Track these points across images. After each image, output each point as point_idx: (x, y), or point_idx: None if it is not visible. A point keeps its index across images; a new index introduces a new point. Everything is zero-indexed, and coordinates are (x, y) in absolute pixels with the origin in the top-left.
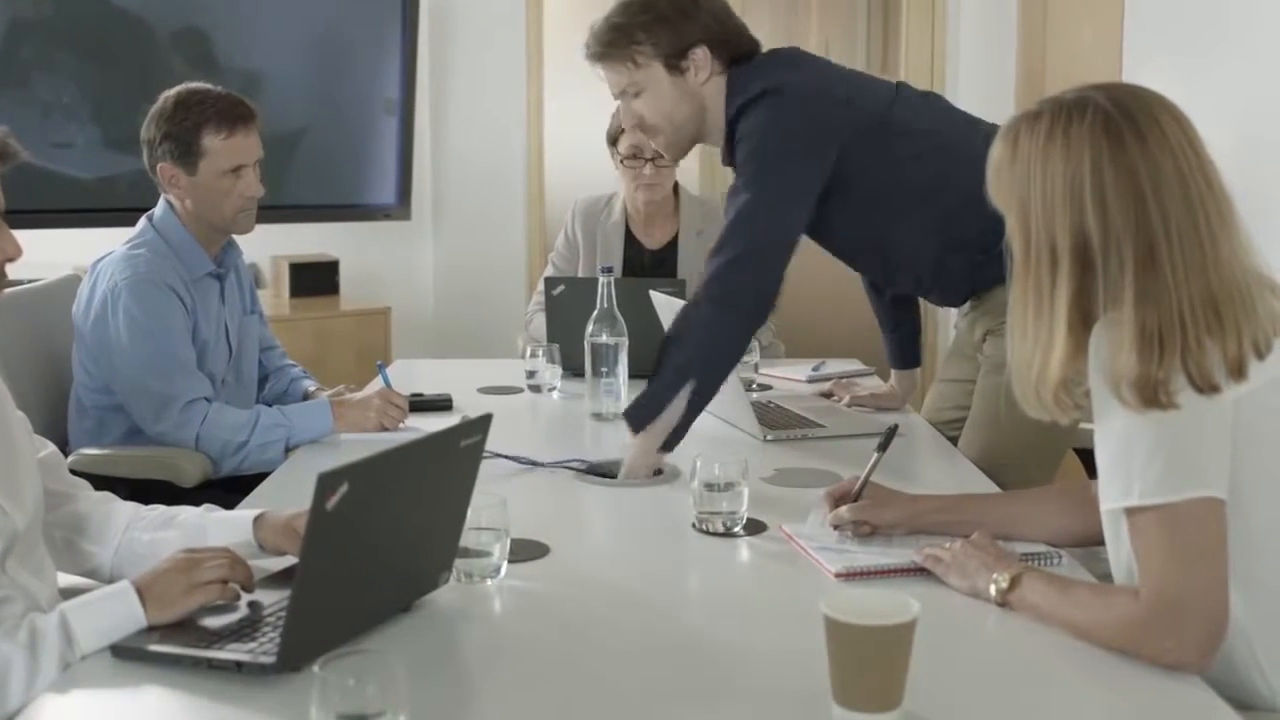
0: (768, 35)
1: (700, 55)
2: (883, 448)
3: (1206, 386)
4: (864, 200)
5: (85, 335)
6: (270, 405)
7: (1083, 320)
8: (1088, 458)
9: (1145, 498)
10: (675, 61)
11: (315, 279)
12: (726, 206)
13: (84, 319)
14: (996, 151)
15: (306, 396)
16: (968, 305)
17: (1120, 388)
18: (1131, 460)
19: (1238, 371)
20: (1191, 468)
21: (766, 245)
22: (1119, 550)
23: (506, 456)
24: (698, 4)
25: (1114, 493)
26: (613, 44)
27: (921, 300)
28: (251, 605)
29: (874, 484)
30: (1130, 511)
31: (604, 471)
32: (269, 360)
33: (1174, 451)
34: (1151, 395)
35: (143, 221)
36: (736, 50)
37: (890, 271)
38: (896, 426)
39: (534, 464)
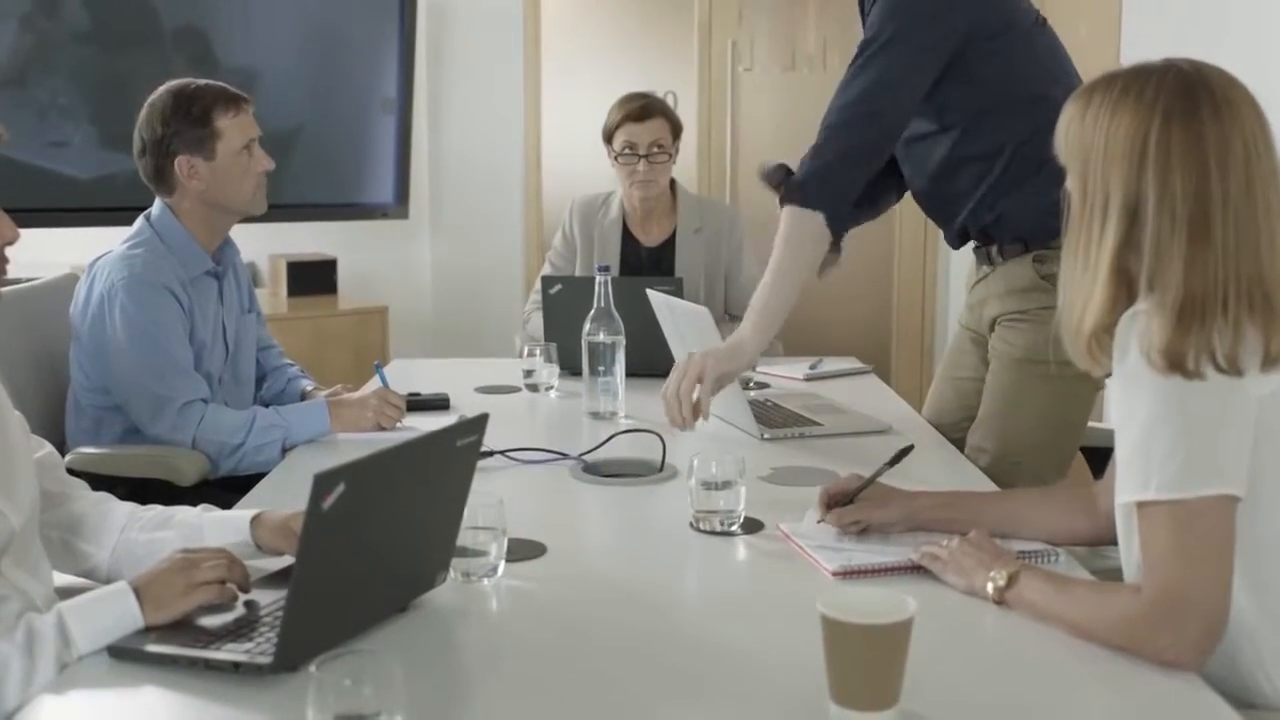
0: (766, 34)
1: None
2: (891, 463)
3: (1231, 368)
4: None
5: (82, 335)
6: (268, 405)
7: (1123, 275)
8: (1093, 456)
9: (1162, 492)
10: None
11: (313, 278)
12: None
13: (81, 319)
14: (1068, 110)
15: (304, 396)
16: (976, 274)
17: (1151, 352)
18: (1151, 454)
19: (1272, 362)
20: (1210, 464)
21: (880, 115)
22: (1131, 546)
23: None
24: None
25: (1131, 486)
26: None
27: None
28: (248, 605)
29: (859, 478)
30: (1142, 504)
31: (601, 471)
32: (267, 360)
33: (1194, 448)
34: (1179, 361)
35: (140, 221)
36: None
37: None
38: (911, 447)
39: (537, 459)
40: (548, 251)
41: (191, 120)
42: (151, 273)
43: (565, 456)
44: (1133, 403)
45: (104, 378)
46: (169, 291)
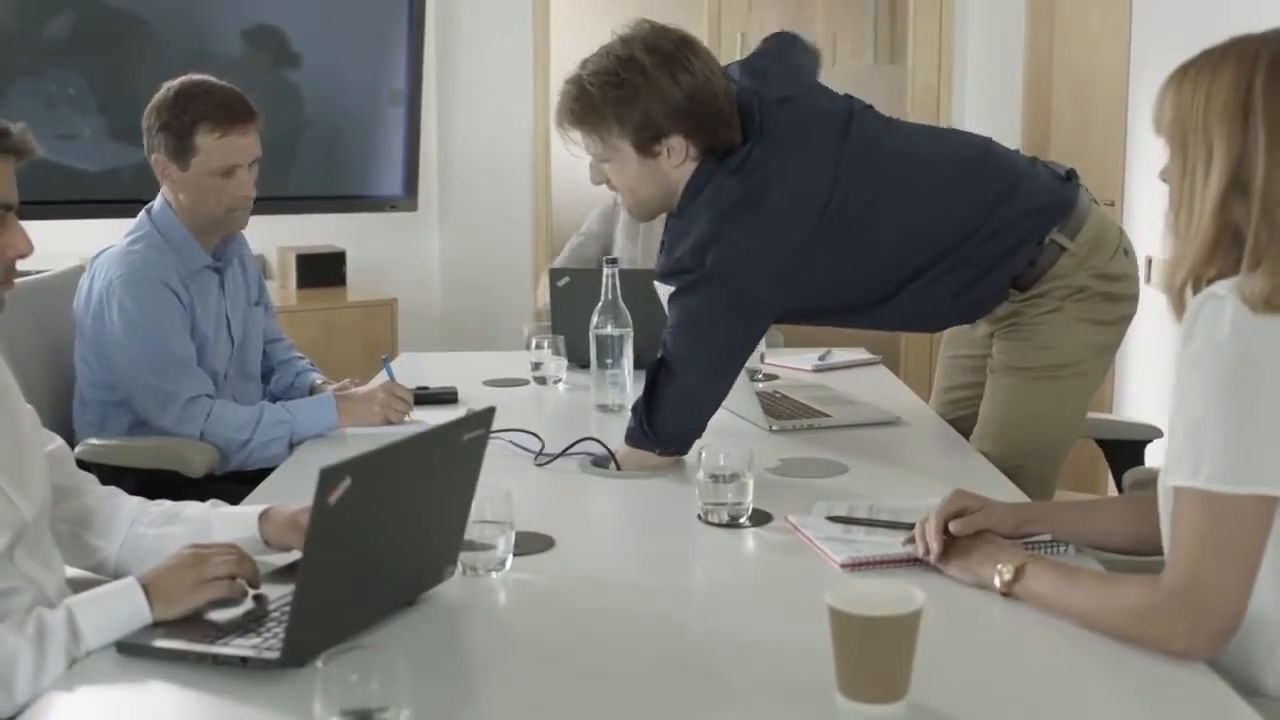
0: (775, 25)
1: (676, 143)
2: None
3: None
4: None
5: (85, 331)
6: (276, 399)
7: (1227, 227)
8: (1108, 448)
9: (1211, 482)
10: (648, 145)
11: (322, 270)
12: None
13: (84, 314)
14: (1164, 87)
15: (313, 390)
16: None
17: (1254, 297)
18: (1206, 441)
19: None
20: (1265, 462)
21: (710, 391)
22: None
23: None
24: (677, 83)
25: (1181, 471)
26: (582, 119)
27: None
28: (256, 600)
29: (970, 494)
30: (1181, 489)
31: (609, 464)
32: (275, 353)
33: (1253, 442)
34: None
35: (141, 214)
36: (713, 143)
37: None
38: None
39: (550, 455)
40: (586, 223)
41: (176, 127)
42: (150, 269)
43: (589, 455)
44: (1193, 387)
45: (107, 373)
46: (168, 287)
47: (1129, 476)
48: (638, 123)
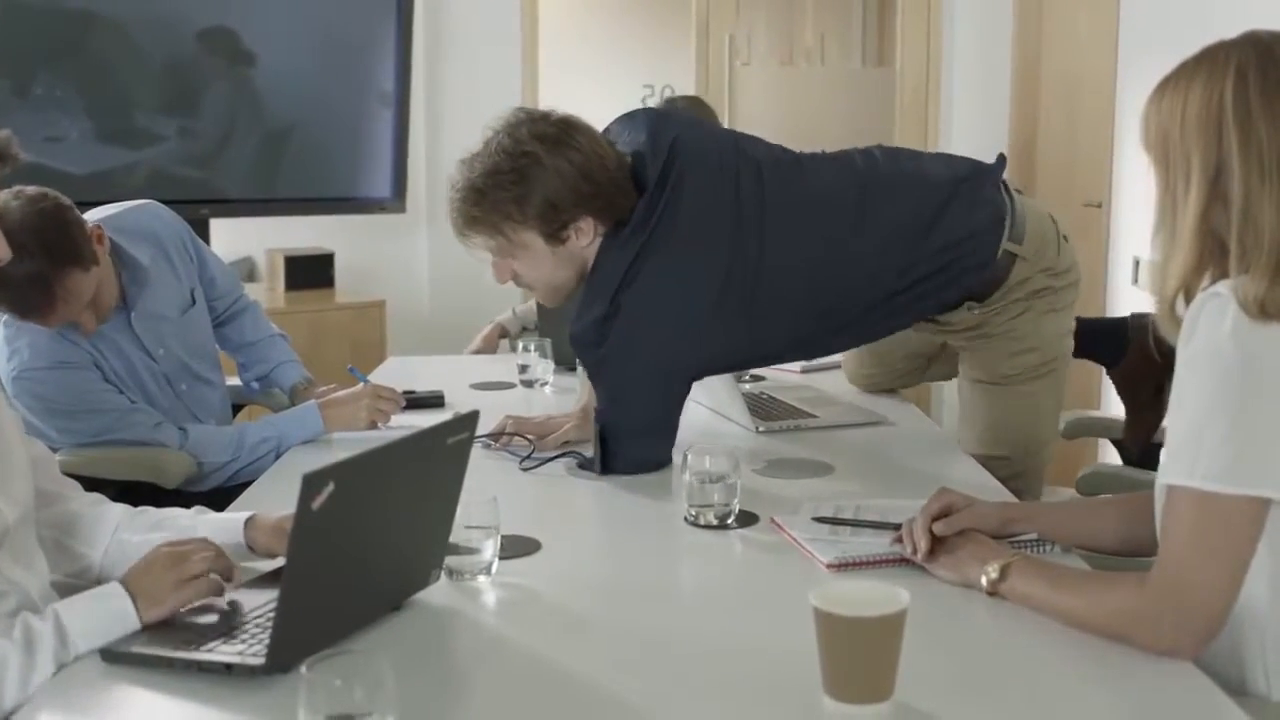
0: (764, 28)
1: (585, 224)
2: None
3: None
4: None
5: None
6: (255, 383)
7: (1209, 237)
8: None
9: (1206, 482)
10: (556, 233)
11: (310, 272)
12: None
13: (8, 389)
14: (1146, 105)
15: (294, 394)
16: None
17: (1248, 302)
18: (1202, 441)
19: None
20: (1260, 464)
21: (656, 441)
22: None
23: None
24: (571, 163)
25: (1177, 469)
26: (483, 221)
27: None
28: (232, 605)
29: (955, 492)
30: (1174, 487)
31: (595, 467)
32: (243, 329)
33: (1248, 442)
34: (1275, 309)
35: None
36: (617, 214)
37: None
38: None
39: (537, 459)
40: None
41: None
42: (37, 358)
43: (578, 456)
44: (1192, 386)
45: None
46: (62, 365)
47: (1081, 471)
48: (542, 212)
